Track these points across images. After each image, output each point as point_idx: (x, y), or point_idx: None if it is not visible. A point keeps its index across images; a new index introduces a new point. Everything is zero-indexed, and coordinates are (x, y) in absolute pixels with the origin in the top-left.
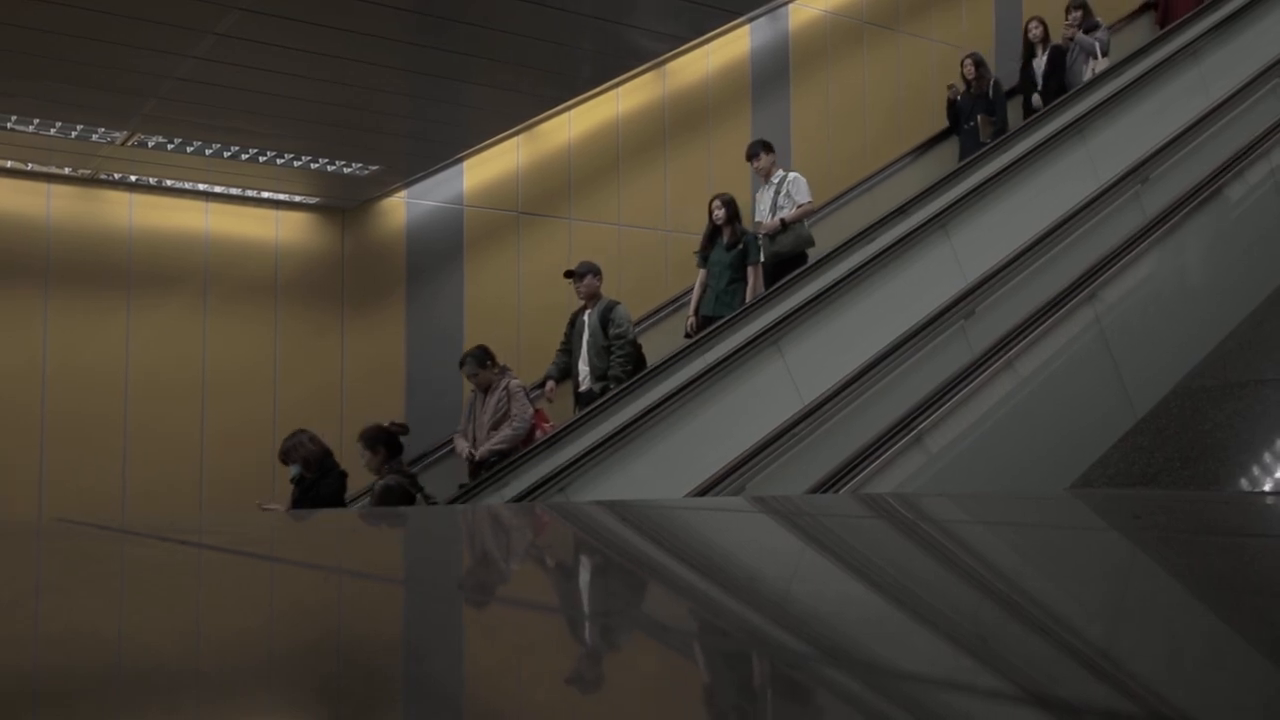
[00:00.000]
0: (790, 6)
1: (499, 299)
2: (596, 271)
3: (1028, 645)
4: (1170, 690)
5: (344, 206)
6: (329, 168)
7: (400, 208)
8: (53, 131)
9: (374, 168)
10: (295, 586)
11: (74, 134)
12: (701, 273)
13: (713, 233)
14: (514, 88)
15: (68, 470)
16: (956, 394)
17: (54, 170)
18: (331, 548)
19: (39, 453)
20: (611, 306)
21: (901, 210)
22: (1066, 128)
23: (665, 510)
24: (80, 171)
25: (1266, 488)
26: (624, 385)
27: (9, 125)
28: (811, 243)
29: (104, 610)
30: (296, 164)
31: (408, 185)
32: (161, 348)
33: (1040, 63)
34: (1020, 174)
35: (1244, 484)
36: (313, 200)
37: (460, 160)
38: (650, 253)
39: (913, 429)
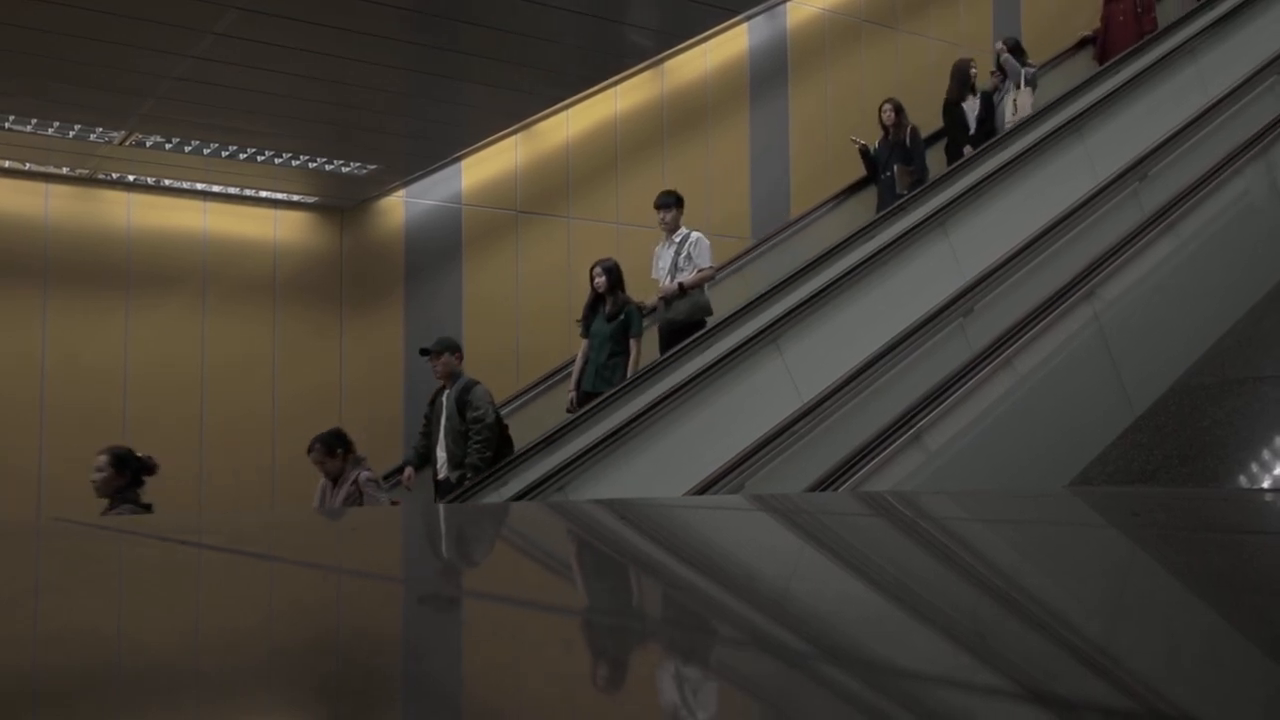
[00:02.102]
0: (788, 5)
1: (497, 298)
2: (454, 348)
3: (1026, 642)
4: (1168, 687)
5: (342, 206)
6: (327, 167)
7: (399, 207)
8: (51, 131)
9: (372, 167)
10: (294, 586)
11: (72, 133)
12: (584, 344)
13: (594, 301)
14: (512, 86)
15: (67, 469)
16: (955, 392)
17: (52, 170)
18: (330, 547)
19: (38, 452)
20: (469, 387)
21: (900, 208)
22: (1064, 125)
23: (664, 509)
24: (78, 171)
25: (1265, 485)
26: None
27: (7, 125)
28: (709, 311)
29: (103, 610)
30: (295, 163)
31: (406, 184)
32: (160, 347)
33: (973, 105)
34: (1018, 172)
35: (1243, 481)
36: (311, 200)
37: (459, 159)
38: (649, 251)
39: (911, 427)
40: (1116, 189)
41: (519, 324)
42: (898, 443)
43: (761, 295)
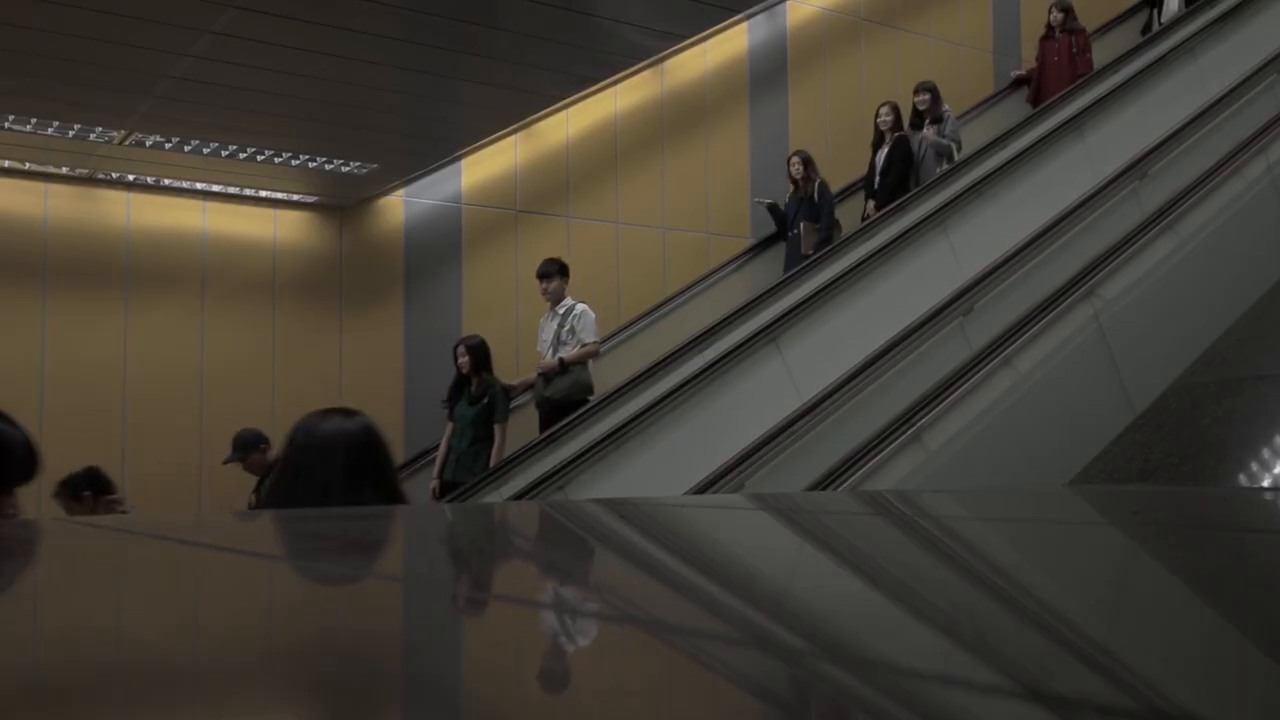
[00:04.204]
0: (788, 4)
1: (497, 297)
2: (255, 443)
3: (1025, 640)
4: (1167, 685)
5: (342, 205)
6: (326, 166)
7: (398, 206)
8: (50, 130)
9: (372, 166)
10: (293, 584)
11: (71, 133)
12: (449, 428)
13: (459, 382)
14: (512, 85)
15: (66, 469)
16: (955, 391)
17: (51, 169)
18: (329, 547)
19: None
20: None
21: (899, 207)
22: (1064, 124)
23: (664, 508)
24: (78, 171)
25: (1264, 483)
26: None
27: (6, 124)
28: (590, 390)
29: (103, 609)
30: (294, 163)
31: (406, 183)
32: (159, 347)
33: (881, 156)
34: (1018, 171)
35: (1242, 479)
36: (310, 199)
37: (458, 158)
38: (648, 250)
39: (911, 426)
40: (1116, 188)
41: (518, 323)
42: (898, 441)
43: (761, 295)
